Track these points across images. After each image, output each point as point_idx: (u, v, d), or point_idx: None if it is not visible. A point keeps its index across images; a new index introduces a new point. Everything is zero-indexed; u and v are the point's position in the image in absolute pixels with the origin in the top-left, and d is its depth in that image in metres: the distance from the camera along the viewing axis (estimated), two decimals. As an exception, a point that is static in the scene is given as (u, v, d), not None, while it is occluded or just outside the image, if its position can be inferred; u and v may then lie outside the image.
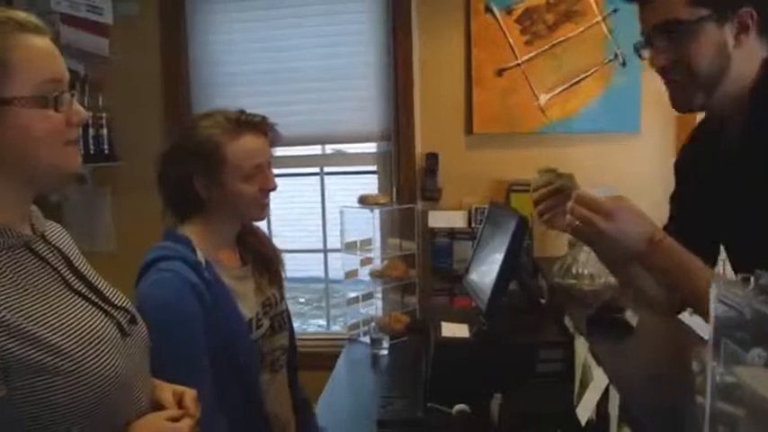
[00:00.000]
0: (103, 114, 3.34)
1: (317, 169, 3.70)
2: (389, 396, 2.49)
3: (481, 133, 3.34)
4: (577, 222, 1.41)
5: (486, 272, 2.44)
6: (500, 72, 3.30)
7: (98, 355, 1.14)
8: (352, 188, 3.71)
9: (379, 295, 3.34)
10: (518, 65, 3.29)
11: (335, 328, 3.91)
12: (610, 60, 3.26)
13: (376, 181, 3.61)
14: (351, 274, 3.23)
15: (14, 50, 1.10)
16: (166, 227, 1.95)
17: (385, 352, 3.01)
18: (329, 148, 3.86)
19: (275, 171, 1.95)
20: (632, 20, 3.25)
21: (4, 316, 1.04)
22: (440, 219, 3.32)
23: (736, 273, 1.42)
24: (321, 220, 3.69)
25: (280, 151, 2.00)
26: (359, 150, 3.73)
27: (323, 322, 4.63)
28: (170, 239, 1.86)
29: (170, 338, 1.61)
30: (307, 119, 3.44)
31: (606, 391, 1.60)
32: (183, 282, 1.72)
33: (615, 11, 3.24)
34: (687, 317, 2.46)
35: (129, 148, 3.48)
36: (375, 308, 3.34)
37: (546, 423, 2.00)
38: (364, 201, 3.20)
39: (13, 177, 1.14)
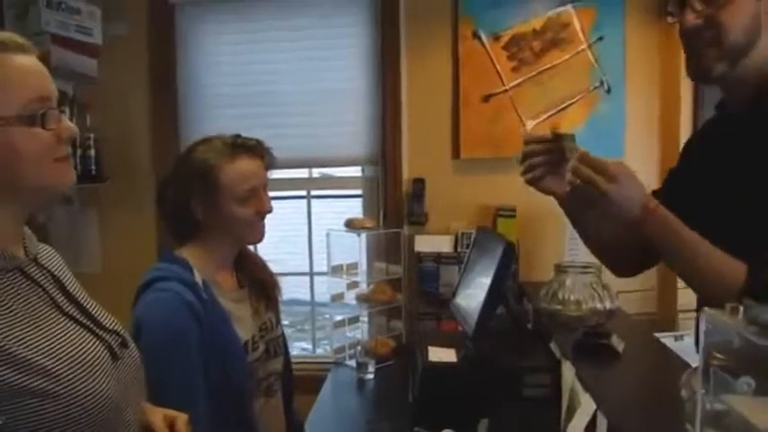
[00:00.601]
0: (91, 135, 3.33)
1: (303, 192, 3.71)
2: (375, 420, 2.48)
3: (468, 158, 3.36)
4: (578, 181, 1.45)
5: (472, 296, 2.44)
6: (487, 98, 3.33)
7: (89, 378, 1.15)
8: (338, 211, 3.72)
9: (366, 319, 3.34)
10: (505, 91, 3.32)
11: (319, 351, 3.90)
12: (595, 87, 3.30)
13: (360, 204, 3.63)
14: (337, 298, 3.23)
15: None
16: (163, 248, 1.98)
17: (371, 376, 3.00)
18: (316, 172, 3.87)
19: (264, 193, 1.96)
20: (617, 47, 3.30)
21: None
22: (426, 243, 3.33)
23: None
24: (307, 242, 3.69)
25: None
26: (346, 174, 3.74)
27: (306, 345, 4.61)
28: (167, 261, 1.87)
29: (166, 358, 1.63)
30: (294, 142, 3.44)
31: (594, 417, 1.61)
32: (179, 301, 1.73)
33: (601, 38, 3.29)
34: (672, 342, 2.48)
35: (116, 168, 3.48)
36: (361, 331, 3.33)
37: (533, 448, 2.01)
38: (351, 224, 3.20)
39: (7, 198, 1.14)
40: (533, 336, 2.50)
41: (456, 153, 3.38)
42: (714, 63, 1.47)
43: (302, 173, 3.73)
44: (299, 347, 4.47)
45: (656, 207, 1.47)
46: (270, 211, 1.94)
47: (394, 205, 3.43)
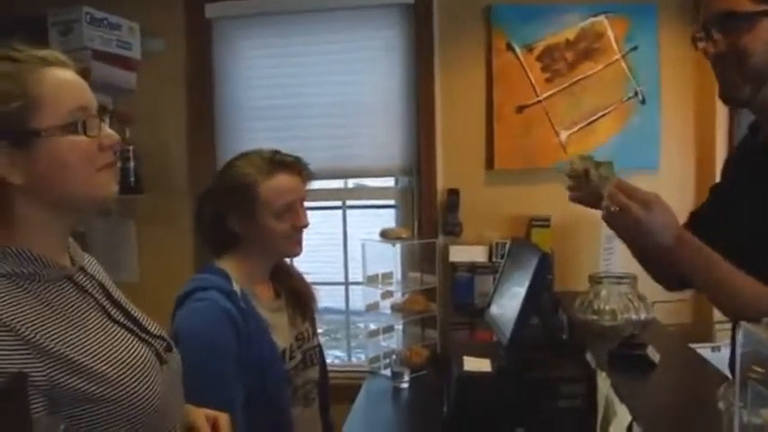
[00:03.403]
0: (130, 147, 3.40)
1: (338, 203, 3.75)
2: (410, 430, 2.49)
3: (502, 169, 3.37)
4: (614, 208, 1.47)
5: (507, 307, 2.45)
6: (521, 109, 3.34)
7: (142, 382, 1.18)
8: (371, 221, 3.75)
9: (400, 328, 3.36)
10: (539, 102, 3.33)
11: (353, 360, 3.93)
12: (629, 98, 3.30)
13: (394, 215, 3.65)
14: (372, 307, 3.26)
15: (40, 84, 1.15)
16: (202, 261, 2.01)
17: (406, 385, 3.02)
18: (350, 183, 3.90)
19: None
20: (652, 58, 3.29)
21: (50, 347, 1.08)
22: (461, 253, 3.34)
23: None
24: (342, 252, 3.73)
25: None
26: (380, 185, 3.78)
27: (340, 353, 4.64)
28: (206, 272, 1.91)
29: (204, 366, 1.65)
30: (329, 153, 3.49)
31: (629, 428, 1.61)
32: (218, 310, 1.77)
33: (635, 48, 3.28)
34: (709, 353, 2.47)
35: (153, 180, 3.55)
36: (396, 341, 3.35)
37: (569, 459, 2.01)
38: (386, 235, 3.23)
39: (51, 207, 1.18)
40: (568, 346, 2.49)
41: (490, 164, 3.39)
42: (738, 87, 1.52)
43: (337, 183, 3.77)
44: (332, 355, 4.50)
45: (689, 238, 1.50)
46: (306, 225, 1.98)
47: (428, 216, 3.45)
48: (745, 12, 1.44)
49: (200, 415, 1.42)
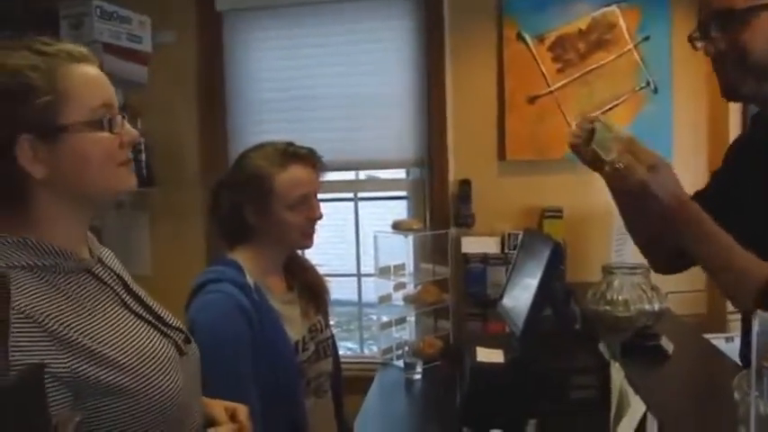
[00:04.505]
0: (142, 140, 3.40)
1: (350, 194, 3.75)
2: (423, 421, 2.49)
3: (514, 160, 3.37)
4: (620, 165, 1.47)
5: (520, 298, 2.44)
6: (532, 99, 3.33)
7: (162, 374, 1.19)
8: (383, 213, 3.74)
9: (412, 320, 3.36)
10: (550, 92, 3.32)
11: (366, 351, 3.93)
12: (641, 88, 3.28)
13: (405, 206, 3.65)
14: (384, 299, 3.26)
15: (68, 79, 1.15)
16: (215, 253, 2.01)
17: (418, 376, 3.02)
18: (362, 174, 3.90)
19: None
20: (664, 47, 3.27)
21: (73, 338, 1.08)
22: (473, 244, 3.34)
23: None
24: (355, 244, 3.73)
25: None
26: (392, 176, 3.77)
27: (351, 345, 4.65)
28: (219, 264, 1.91)
29: (218, 359, 1.65)
30: (341, 145, 3.48)
31: (643, 419, 1.61)
32: (231, 303, 1.77)
33: (647, 38, 3.26)
34: (723, 343, 2.46)
35: (165, 173, 3.55)
36: (408, 332, 3.35)
37: (582, 450, 2.01)
38: (398, 226, 3.23)
39: (70, 200, 1.19)
40: (581, 337, 2.49)
41: (502, 155, 3.39)
42: (741, 83, 1.51)
43: (349, 175, 3.77)
44: (345, 347, 4.51)
45: (689, 200, 1.49)
46: (320, 217, 1.98)
47: (440, 207, 3.45)
48: (741, 9, 1.44)
49: (219, 407, 1.42)
